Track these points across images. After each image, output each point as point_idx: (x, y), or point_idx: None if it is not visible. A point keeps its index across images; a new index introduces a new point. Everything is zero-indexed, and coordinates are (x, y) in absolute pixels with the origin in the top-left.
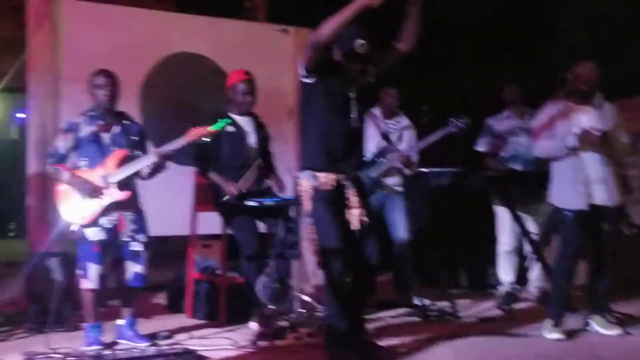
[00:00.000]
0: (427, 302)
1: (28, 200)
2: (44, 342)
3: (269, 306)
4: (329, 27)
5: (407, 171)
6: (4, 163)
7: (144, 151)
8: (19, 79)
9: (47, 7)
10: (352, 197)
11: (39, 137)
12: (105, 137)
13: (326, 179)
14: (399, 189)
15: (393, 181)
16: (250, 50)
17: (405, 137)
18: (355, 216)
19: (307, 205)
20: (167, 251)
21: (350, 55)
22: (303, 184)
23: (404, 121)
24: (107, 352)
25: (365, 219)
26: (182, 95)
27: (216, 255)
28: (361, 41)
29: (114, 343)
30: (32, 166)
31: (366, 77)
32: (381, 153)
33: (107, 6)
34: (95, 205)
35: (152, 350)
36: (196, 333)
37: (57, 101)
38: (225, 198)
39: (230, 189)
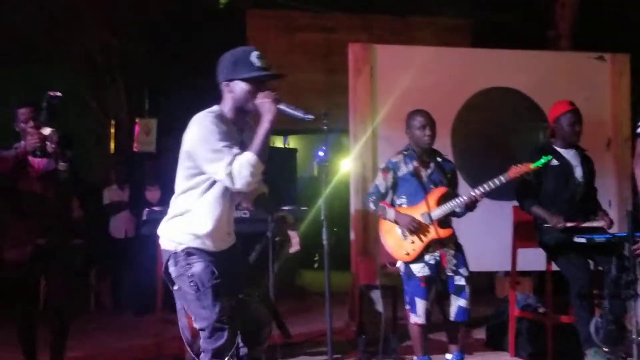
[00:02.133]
0: None
1: (351, 235)
2: None
3: (604, 349)
4: None
5: None
6: (307, 198)
7: (456, 189)
8: (319, 119)
9: (365, 54)
10: None
11: (360, 175)
12: (424, 175)
13: None
14: None
15: None
16: (564, 80)
17: None
18: None
19: None
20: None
21: None
22: None
23: None
24: None
25: None
26: (494, 130)
27: (526, 291)
28: None
29: None
30: (354, 202)
31: None
32: None
33: (415, 48)
34: (419, 242)
35: None
36: None
37: (375, 141)
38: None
39: (556, 220)
